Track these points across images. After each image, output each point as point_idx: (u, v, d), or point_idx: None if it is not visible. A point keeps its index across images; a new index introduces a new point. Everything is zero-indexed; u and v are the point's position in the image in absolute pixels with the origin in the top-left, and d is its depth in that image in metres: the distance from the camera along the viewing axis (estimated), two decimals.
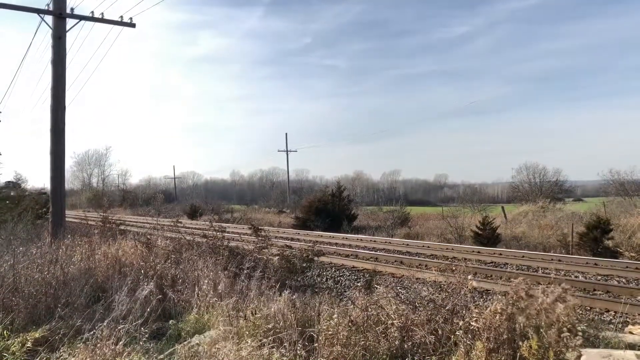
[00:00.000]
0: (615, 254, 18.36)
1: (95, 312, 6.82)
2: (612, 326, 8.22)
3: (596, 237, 18.98)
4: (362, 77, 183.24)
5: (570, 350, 4.27)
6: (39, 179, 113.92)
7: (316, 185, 79.64)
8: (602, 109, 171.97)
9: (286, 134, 64.81)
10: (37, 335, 6.24)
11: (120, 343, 5.24)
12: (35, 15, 14.57)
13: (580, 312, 8.14)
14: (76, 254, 10.00)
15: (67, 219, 16.52)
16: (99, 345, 5.16)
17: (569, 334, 4.35)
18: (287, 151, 64.30)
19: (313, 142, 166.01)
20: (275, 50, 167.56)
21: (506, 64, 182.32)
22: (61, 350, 5.62)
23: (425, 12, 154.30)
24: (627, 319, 8.57)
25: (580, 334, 4.42)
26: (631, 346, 5.52)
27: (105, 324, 5.52)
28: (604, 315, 9.35)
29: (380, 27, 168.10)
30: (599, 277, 13.38)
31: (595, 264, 15.16)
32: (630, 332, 6.41)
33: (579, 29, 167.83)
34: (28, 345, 6.05)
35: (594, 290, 11.48)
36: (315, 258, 11.58)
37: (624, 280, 13.02)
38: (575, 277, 13.31)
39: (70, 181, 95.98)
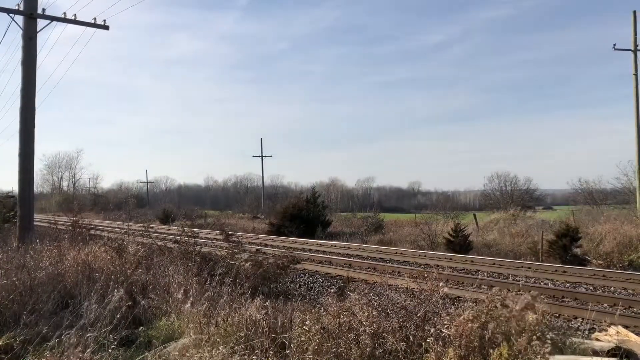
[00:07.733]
0: (584, 261, 18.69)
1: (63, 319, 6.67)
2: (579, 333, 8.37)
3: (565, 245, 19.27)
4: (338, 83, 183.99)
5: (539, 357, 4.33)
6: (6, 181, 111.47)
7: (291, 191, 79.50)
8: (571, 119, 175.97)
9: (261, 139, 64.68)
10: (0, 342, 6.09)
11: (88, 350, 5.14)
12: (5, 15, 14.32)
13: (549, 318, 8.27)
14: (44, 258, 9.78)
15: (36, 223, 16.17)
16: (65, 352, 5.06)
17: (538, 341, 4.41)
18: (262, 156, 64.11)
19: (288, 147, 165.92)
20: (251, 54, 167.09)
21: (480, 73, 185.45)
22: (27, 358, 5.49)
23: (402, 19, 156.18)
24: (594, 326, 8.73)
25: (549, 341, 4.48)
26: (597, 352, 5.62)
27: (73, 331, 5.41)
28: (572, 322, 9.52)
29: (357, 34, 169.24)
30: (568, 285, 13.62)
31: (564, 272, 15.43)
32: (597, 339, 6.52)
33: (552, 39, 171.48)
34: None
35: (563, 297, 11.67)
36: (291, 265, 11.52)
37: (591, 287, 13.27)
38: (545, 284, 13.53)
39: (40, 184, 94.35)
